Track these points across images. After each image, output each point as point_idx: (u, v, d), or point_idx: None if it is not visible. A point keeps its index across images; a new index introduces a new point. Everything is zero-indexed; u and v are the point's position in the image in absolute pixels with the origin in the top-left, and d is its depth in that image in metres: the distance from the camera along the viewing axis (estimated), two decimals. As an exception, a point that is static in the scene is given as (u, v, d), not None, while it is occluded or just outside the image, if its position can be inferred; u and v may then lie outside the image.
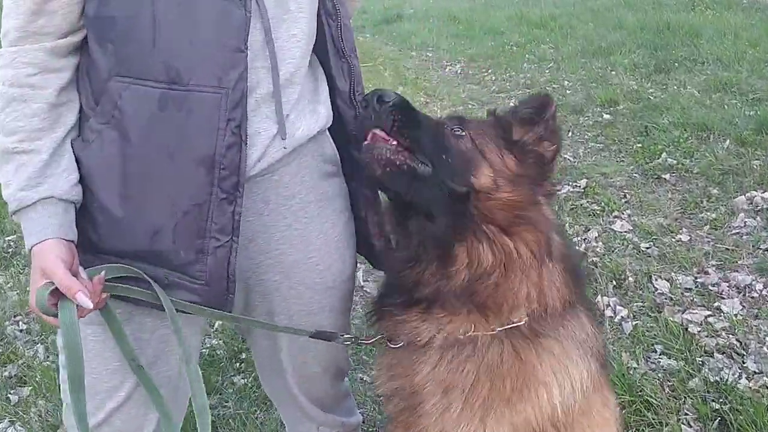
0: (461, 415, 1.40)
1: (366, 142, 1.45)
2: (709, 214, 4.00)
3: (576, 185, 4.60)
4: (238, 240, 1.38)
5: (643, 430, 2.43)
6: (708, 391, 2.56)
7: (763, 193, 4.03)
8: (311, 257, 1.55)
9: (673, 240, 3.80)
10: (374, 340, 1.55)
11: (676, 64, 7.02)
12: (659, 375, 2.71)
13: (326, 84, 1.57)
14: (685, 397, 2.55)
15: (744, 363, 2.73)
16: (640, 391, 2.55)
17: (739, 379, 2.60)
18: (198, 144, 1.31)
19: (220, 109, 1.30)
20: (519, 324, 1.42)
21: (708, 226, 3.88)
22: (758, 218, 3.85)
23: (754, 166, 4.38)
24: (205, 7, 1.28)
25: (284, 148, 1.44)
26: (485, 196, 1.44)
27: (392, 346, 1.49)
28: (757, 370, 2.67)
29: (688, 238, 3.80)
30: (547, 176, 1.53)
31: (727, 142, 4.81)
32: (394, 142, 1.43)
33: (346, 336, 1.59)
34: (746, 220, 3.84)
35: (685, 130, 5.15)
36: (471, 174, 1.45)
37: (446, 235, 1.42)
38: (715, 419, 2.41)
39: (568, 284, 1.49)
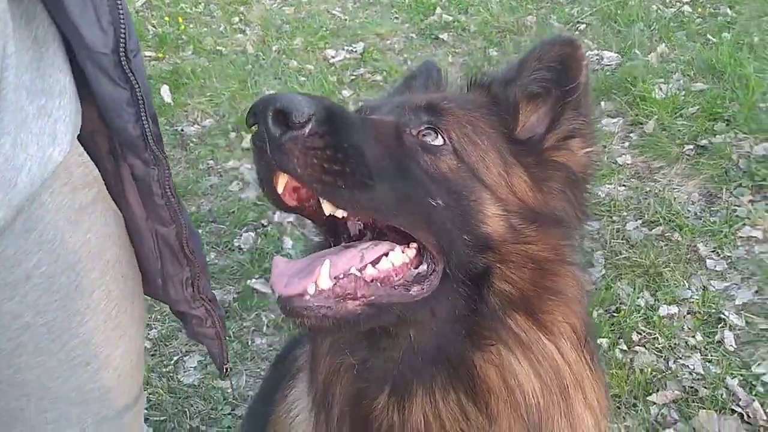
0: None
1: (286, 290, 0.78)
2: (491, 79, 3.80)
3: (353, 50, 4.09)
4: None
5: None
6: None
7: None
8: (74, 356, 0.94)
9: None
10: None
11: None
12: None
13: (61, 43, 0.86)
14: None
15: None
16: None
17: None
18: None
19: None
20: None
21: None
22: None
23: (528, 23, 4.24)
24: None
25: None
26: (501, 259, 0.86)
27: None
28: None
29: (475, 108, 3.58)
30: (581, 209, 0.95)
31: (499, -7, 4.60)
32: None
33: None
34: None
35: (453, -22, 4.82)
36: (480, 221, 0.86)
37: (460, 349, 0.86)
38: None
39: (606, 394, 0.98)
